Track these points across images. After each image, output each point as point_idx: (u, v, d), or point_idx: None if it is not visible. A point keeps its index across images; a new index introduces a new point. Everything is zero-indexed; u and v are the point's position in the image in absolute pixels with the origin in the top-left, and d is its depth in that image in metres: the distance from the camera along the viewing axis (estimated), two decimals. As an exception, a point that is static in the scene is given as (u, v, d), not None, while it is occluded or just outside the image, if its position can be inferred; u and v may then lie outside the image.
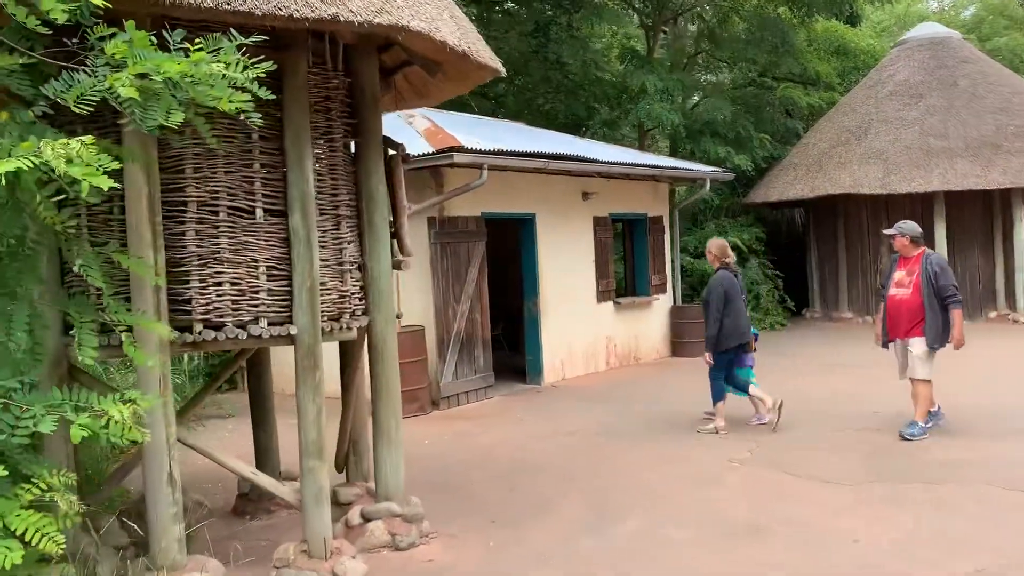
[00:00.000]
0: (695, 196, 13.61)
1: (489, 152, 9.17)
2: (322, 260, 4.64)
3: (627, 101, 16.22)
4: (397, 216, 5.17)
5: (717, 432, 7.60)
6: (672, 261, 13.72)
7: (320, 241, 4.62)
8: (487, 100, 17.12)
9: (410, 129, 10.26)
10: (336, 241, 4.75)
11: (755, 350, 7.95)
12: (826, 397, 9.25)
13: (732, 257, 7.89)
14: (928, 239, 16.34)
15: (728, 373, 7.73)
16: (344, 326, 4.72)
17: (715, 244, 7.94)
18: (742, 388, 7.84)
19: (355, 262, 4.91)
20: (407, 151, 5.26)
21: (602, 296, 12.13)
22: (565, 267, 11.47)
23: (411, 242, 9.67)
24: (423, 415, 9.24)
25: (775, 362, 12.14)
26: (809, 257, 18.51)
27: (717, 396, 7.71)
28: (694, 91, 19.35)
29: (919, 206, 16.20)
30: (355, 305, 4.89)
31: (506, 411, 9.30)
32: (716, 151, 16.63)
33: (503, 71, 5.14)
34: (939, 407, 7.43)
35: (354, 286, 4.89)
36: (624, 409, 9.11)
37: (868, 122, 16.82)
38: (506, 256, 12.32)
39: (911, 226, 7.31)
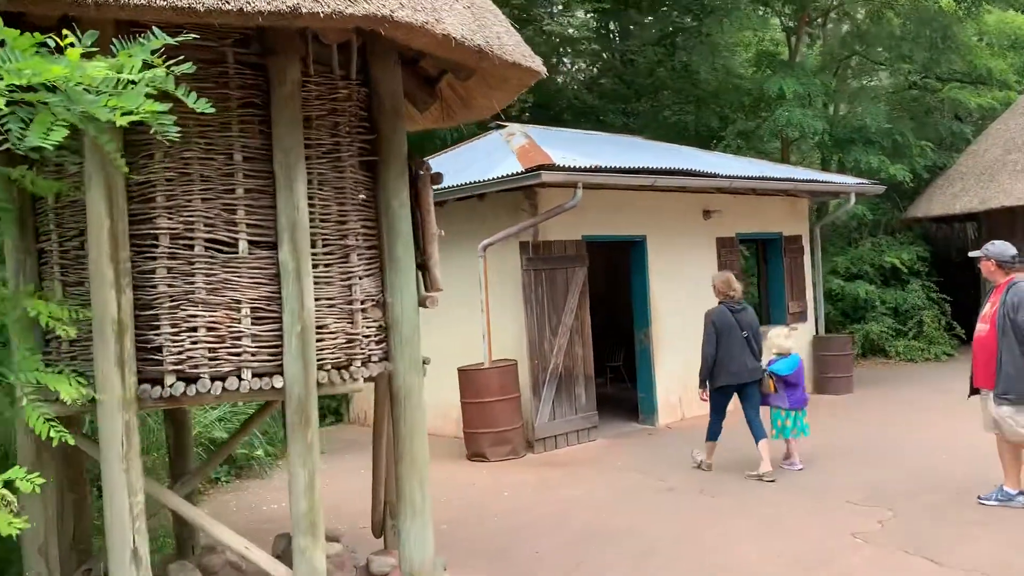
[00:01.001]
0: (838, 212, 12.10)
1: (583, 169, 8.31)
2: (326, 298, 3.96)
3: (764, 109, 14.86)
4: (426, 245, 4.42)
5: (700, 466, 7.48)
6: (814, 285, 12.25)
7: (323, 276, 3.95)
8: (622, 116, 16.16)
9: (506, 147, 9.59)
10: (344, 276, 4.06)
11: (774, 391, 7.28)
12: (989, 449, 7.68)
13: (737, 291, 7.39)
14: None
15: (748, 414, 7.25)
16: (351, 376, 4.01)
17: (717, 277, 7.66)
18: (757, 433, 7.20)
19: (371, 299, 4.20)
20: (434, 170, 4.50)
21: (727, 325, 10.89)
22: (682, 293, 10.36)
23: (504, 268, 9.08)
24: (515, 459, 8.44)
25: (929, 400, 10.50)
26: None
27: (711, 434, 7.46)
28: (844, 96, 17.61)
29: (1117, 218, 13.87)
30: (369, 349, 4.18)
31: (606, 457, 8.34)
32: (869, 161, 14.94)
33: (543, 71, 4.31)
34: (1021, 495, 5.96)
35: (369, 328, 4.18)
36: (740, 459, 7.92)
37: (1052, 122, 14.61)
38: (628, 279, 11.35)
39: (999, 248, 5.91)
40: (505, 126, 11.18)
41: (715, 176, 9.66)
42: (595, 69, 19.60)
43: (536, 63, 4.28)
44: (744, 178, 9.99)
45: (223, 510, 7.08)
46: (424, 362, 4.42)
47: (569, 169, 8.18)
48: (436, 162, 11.20)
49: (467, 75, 4.44)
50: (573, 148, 9.82)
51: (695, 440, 8.95)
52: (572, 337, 9.11)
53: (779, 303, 11.81)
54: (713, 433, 7.46)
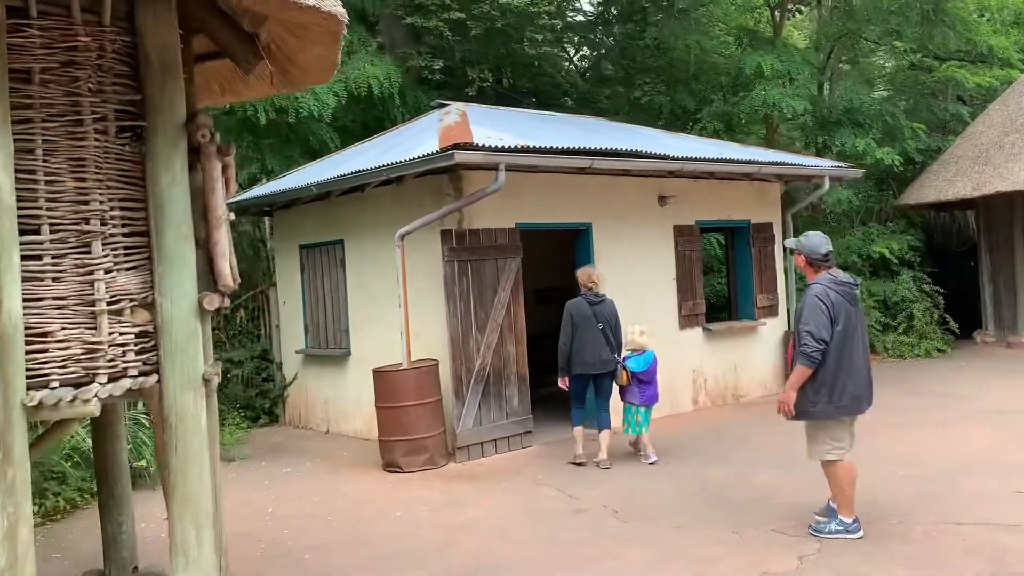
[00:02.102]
0: (810, 198, 11.17)
1: (507, 149, 7.47)
2: (52, 298, 3.17)
3: (743, 89, 13.92)
4: (210, 231, 3.61)
5: (575, 461, 7.45)
6: (786, 277, 11.35)
7: (50, 271, 3.16)
8: (622, 101, 15.06)
9: (436, 127, 8.77)
10: (82, 270, 3.27)
11: (628, 383, 7.44)
12: (953, 465, 6.80)
13: (597, 284, 7.53)
14: None
15: (597, 403, 7.53)
16: (88, 396, 3.21)
17: (580, 272, 7.68)
18: (602, 423, 7.50)
19: (129, 298, 3.40)
20: (219, 141, 3.67)
21: (687, 321, 10.05)
22: (634, 287, 9.51)
23: (423, 260, 8.30)
24: (432, 469, 7.64)
25: (910, 403, 9.59)
26: (981, 268, 15.30)
27: (575, 420, 7.55)
28: (837, 77, 16.61)
29: (1123, 204, 12.86)
30: (124, 361, 3.38)
31: (530, 468, 7.52)
32: (855, 144, 13.98)
33: (343, 16, 3.48)
34: (855, 523, 5.18)
35: (124, 335, 3.38)
36: (681, 472, 7.09)
37: (1052, 102, 13.58)
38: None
39: (813, 242, 5.20)
40: (447, 105, 10.37)
41: (664, 158, 8.79)
42: (591, 54, 18.74)
43: (336, 7, 3.45)
44: (698, 160, 9.10)
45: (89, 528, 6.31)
46: (206, 377, 3.59)
47: (488, 149, 7.34)
48: (373, 144, 10.45)
49: (259, 20, 3.62)
50: (514, 129, 8.99)
51: (657, 444, 8.14)
52: (503, 334, 8.28)
53: (747, 296, 10.93)
54: (575, 419, 7.56)
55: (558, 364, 7.41)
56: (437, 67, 12.63)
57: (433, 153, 7.34)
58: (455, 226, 8.06)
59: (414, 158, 7.53)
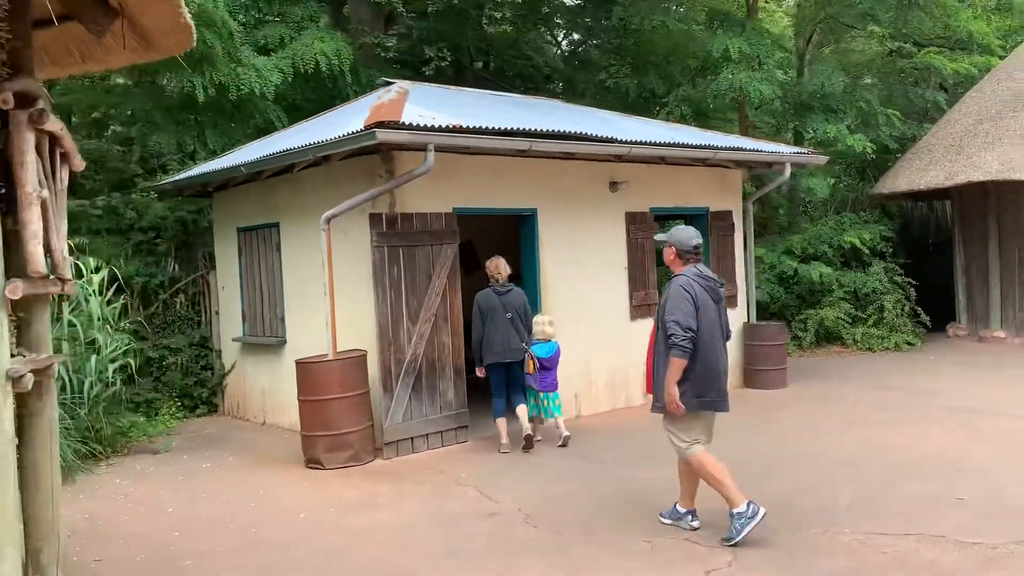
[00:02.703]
0: (771, 185, 10.76)
1: (436, 129, 7.04)
2: None
3: (711, 72, 13.49)
4: (21, 210, 3.19)
5: (500, 451, 7.48)
6: (746, 267, 10.96)
7: None
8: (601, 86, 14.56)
9: (375, 103, 8.34)
10: None
11: (534, 371, 7.55)
12: (900, 466, 6.44)
13: (503, 275, 7.64)
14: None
15: (511, 390, 7.65)
16: None
17: (489, 263, 7.75)
18: (515, 404, 7.67)
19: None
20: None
21: (639, 312, 9.67)
22: (582, 275, 9.13)
23: (354, 245, 7.90)
24: (356, 466, 7.25)
25: (870, 399, 9.25)
26: (955, 261, 14.95)
27: (495, 411, 7.60)
28: (813, 61, 16.17)
29: (1097, 195, 12.50)
30: None
31: (456, 465, 7.13)
32: (826, 131, 13.58)
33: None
34: (750, 506, 4.94)
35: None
36: (611, 471, 6.73)
37: (1028, 89, 13.19)
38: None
39: (683, 234, 5.12)
40: (393, 83, 9.93)
41: (611, 141, 8.37)
42: (576, 38, 18.33)
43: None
44: (647, 144, 8.67)
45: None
46: (11, 375, 3.17)
47: (415, 128, 6.91)
48: (314, 123, 9.97)
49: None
50: (457, 109, 8.57)
51: (584, 443, 7.79)
52: (437, 324, 7.88)
53: (705, 286, 10.53)
54: (496, 410, 7.59)
55: (473, 355, 7.63)
56: (390, 44, 12.17)
57: (355, 132, 6.91)
58: (386, 210, 7.64)
59: (337, 137, 7.10)
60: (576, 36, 18.85)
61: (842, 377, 11.02)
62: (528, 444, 7.47)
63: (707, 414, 5.08)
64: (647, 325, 9.70)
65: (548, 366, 7.62)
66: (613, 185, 9.39)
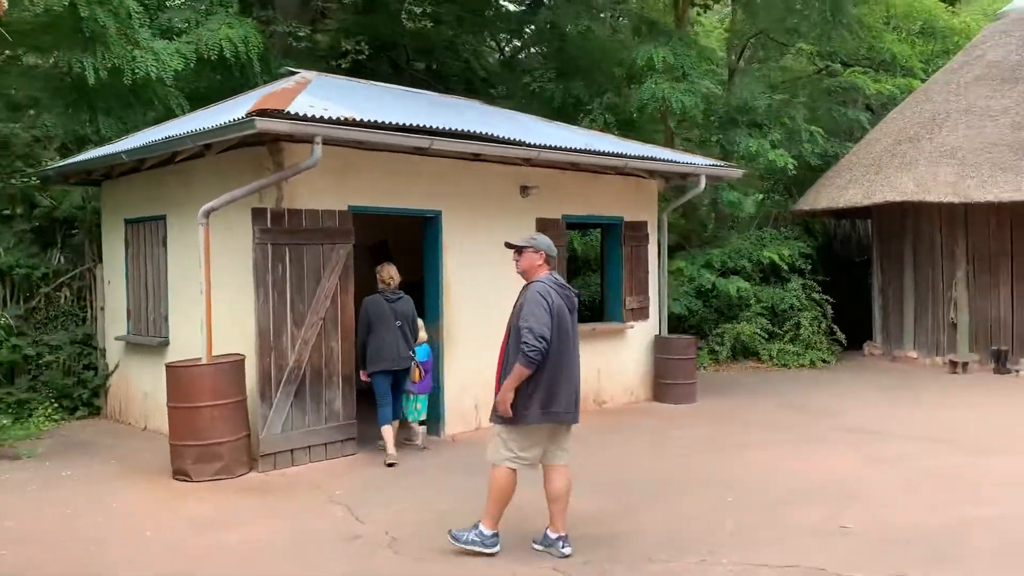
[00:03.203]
0: (685, 197, 10.58)
1: (325, 121, 6.62)
2: None
3: (636, 81, 13.30)
4: None
5: (386, 464, 7.17)
6: (659, 279, 10.76)
7: None
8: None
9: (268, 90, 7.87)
10: None
11: (419, 379, 7.65)
12: (789, 491, 6.24)
13: (394, 281, 7.51)
14: (1018, 261, 12.77)
15: (394, 397, 7.51)
16: None
17: (379, 268, 7.57)
18: (399, 414, 7.67)
19: None
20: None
21: (546, 321, 9.34)
22: (489, 281, 8.77)
23: (238, 242, 7.39)
24: (228, 479, 6.76)
25: (775, 419, 9.10)
26: (873, 280, 15.06)
27: (381, 419, 7.41)
28: (742, 76, 16.15)
29: (1007, 219, 12.66)
30: None
31: (335, 480, 6.70)
32: (748, 145, 13.53)
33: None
34: (494, 537, 4.95)
35: None
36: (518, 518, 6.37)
37: (945, 113, 13.33)
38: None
39: (546, 240, 5.01)
40: (296, 72, 9.46)
41: (518, 144, 8.05)
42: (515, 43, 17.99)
43: None
44: (557, 149, 8.38)
45: None
46: None
47: (299, 118, 6.48)
48: (211, 111, 9.38)
49: None
50: (358, 102, 8.14)
51: (477, 456, 7.40)
52: (326, 329, 7.44)
53: (616, 297, 10.31)
54: (381, 418, 7.40)
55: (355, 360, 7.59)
56: (302, 34, 11.67)
57: (235, 120, 6.44)
58: (273, 205, 7.18)
59: (216, 126, 6.63)
60: (517, 42, 18.61)
61: (751, 394, 10.89)
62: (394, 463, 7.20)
63: (549, 426, 4.82)
64: (555, 336, 9.43)
65: (427, 369, 7.77)
66: (524, 190, 9.08)
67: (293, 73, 9.42)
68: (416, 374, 7.56)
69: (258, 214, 7.05)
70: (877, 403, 10.17)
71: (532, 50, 16.33)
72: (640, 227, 10.42)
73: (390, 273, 7.50)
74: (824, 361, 13.76)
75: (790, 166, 13.68)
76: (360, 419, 7.78)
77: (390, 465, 7.11)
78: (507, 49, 18.55)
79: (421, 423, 7.93)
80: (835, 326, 14.28)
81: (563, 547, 4.93)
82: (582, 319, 10.56)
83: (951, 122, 13.05)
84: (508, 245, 5.17)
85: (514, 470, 4.83)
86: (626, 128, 14.04)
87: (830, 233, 17.79)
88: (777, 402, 10.24)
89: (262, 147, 7.15)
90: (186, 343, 8.11)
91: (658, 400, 10.35)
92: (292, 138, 6.77)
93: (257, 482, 6.71)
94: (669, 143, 14.99)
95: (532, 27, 13.37)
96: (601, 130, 13.04)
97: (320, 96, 7.69)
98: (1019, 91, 12.87)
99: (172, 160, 8.05)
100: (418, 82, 14.67)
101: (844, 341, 14.33)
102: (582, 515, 5.69)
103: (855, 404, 10.07)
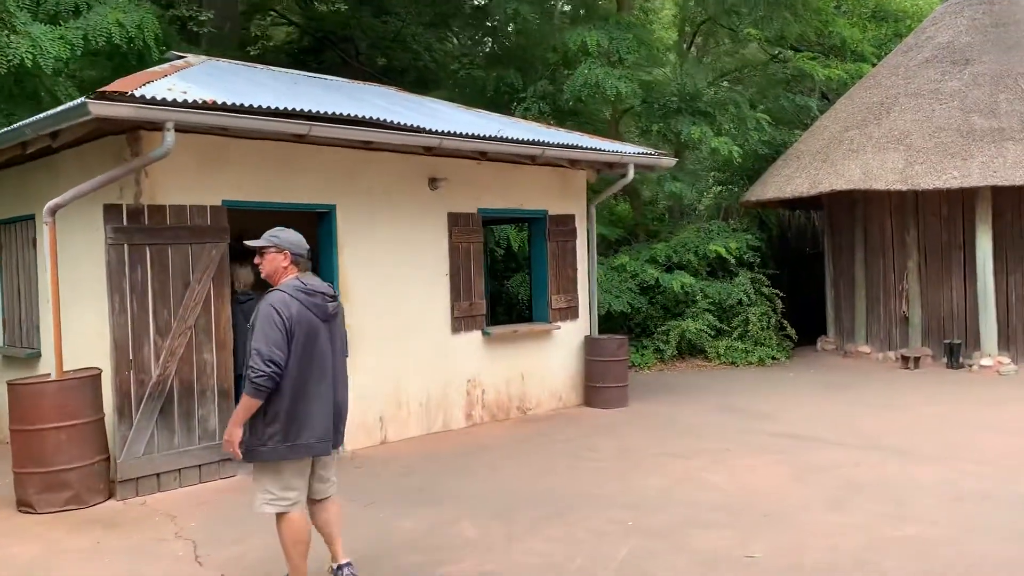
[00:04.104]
0: (613, 187, 9.91)
1: (175, 104, 5.86)
2: None
3: (571, 67, 12.64)
4: None
5: None
6: (589, 276, 10.09)
7: None
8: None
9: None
10: None
11: None
12: (699, 511, 5.58)
13: (242, 283, 7.17)
14: (970, 252, 12.26)
15: None
16: None
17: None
18: None
19: None
20: None
21: (461, 324, 8.66)
22: (393, 284, 8.08)
23: (97, 243, 6.68)
24: (78, 509, 6.00)
25: (705, 424, 8.46)
26: (825, 272, 14.51)
27: None
28: (689, 62, 15.53)
29: (959, 207, 12.13)
30: None
31: (195, 509, 5.94)
32: (690, 132, 12.91)
33: None
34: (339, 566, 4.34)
35: None
36: (373, 518, 5.67)
37: (893, 97, 12.78)
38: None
39: (293, 237, 4.23)
40: (183, 56, 8.70)
41: (417, 130, 7.33)
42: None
43: None
44: (462, 137, 7.67)
45: None
46: None
47: (144, 102, 5.72)
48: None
49: None
50: (243, 87, 7.40)
51: (364, 477, 6.71)
52: (197, 339, 6.68)
53: (541, 296, 9.63)
54: None
55: None
56: (203, 19, 10.88)
57: (70, 106, 5.69)
58: (130, 201, 6.42)
59: (50, 113, 5.88)
60: (467, 36, 17.91)
61: (689, 396, 10.26)
62: None
63: (303, 462, 4.08)
64: (473, 339, 8.79)
65: None
66: (432, 182, 8.38)
67: (180, 57, 8.66)
68: None
69: (111, 211, 6.29)
70: (819, 404, 9.57)
71: (465, 37, 15.67)
72: (567, 221, 9.75)
73: (238, 275, 7.22)
74: (774, 358, 13.19)
75: (735, 155, 13.10)
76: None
77: None
78: (459, 42, 17.86)
79: None
80: (785, 321, 13.72)
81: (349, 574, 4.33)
82: (517, 319, 9.94)
83: (899, 107, 12.50)
84: (246, 246, 4.36)
85: (296, 511, 4.09)
86: (565, 118, 13.39)
87: (784, 225, 17.25)
88: (715, 404, 9.62)
89: (121, 137, 6.40)
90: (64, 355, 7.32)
91: (589, 405, 9.69)
92: (143, 125, 6.02)
93: (109, 513, 5.95)
94: (614, 133, 14.37)
95: (464, 11, 12.62)
96: (535, 119, 12.37)
97: (192, 80, 6.95)
98: (969, 73, 12.33)
99: (42, 153, 7.25)
100: (367, 76, 13.96)
101: (795, 337, 13.77)
102: (456, 544, 5.01)
103: (795, 405, 9.47)
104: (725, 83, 14.55)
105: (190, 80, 6.91)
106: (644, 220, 15.56)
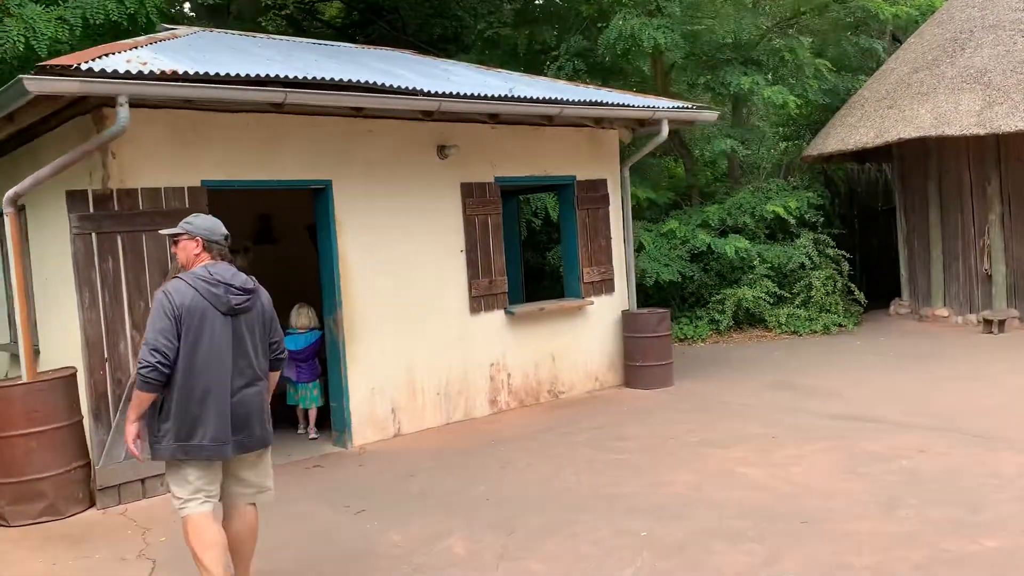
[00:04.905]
0: (646, 148, 8.98)
1: (132, 77, 5.29)
2: None
3: (606, 19, 11.68)
4: None
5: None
6: (626, 245, 9.25)
7: None
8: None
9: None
10: None
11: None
12: (728, 518, 4.79)
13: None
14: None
15: None
16: None
17: None
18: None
19: None
20: None
21: (480, 303, 7.98)
22: (401, 263, 7.43)
23: (52, 234, 6.30)
24: (54, 520, 5.58)
25: (752, 403, 7.61)
26: (897, 230, 13.29)
27: None
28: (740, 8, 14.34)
29: (1046, 152, 10.83)
30: None
31: (165, 522, 5.43)
32: (739, 83, 11.86)
33: None
34: None
35: None
36: (361, 530, 5.08)
37: (968, 32, 11.45)
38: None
39: (208, 222, 3.88)
40: (175, 28, 8.18)
41: (411, 93, 6.62)
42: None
43: None
44: (464, 98, 6.92)
45: None
46: None
47: (96, 75, 5.17)
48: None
49: None
50: (223, 57, 6.82)
51: (364, 477, 6.13)
52: (180, 332, 6.17)
53: (572, 270, 8.86)
54: None
55: None
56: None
57: (9, 85, 5.17)
58: (98, 186, 5.91)
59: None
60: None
61: (742, 371, 9.38)
62: None
63: (203, 463, 3.66)
64: (495, 320, 8.10)
65: (300, 358, 7.32)
66: (442, 150, 7.67)
67: (170, 28, 8.14)
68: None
69: (75, 198, 5.79)
70: (886, 377, 8.58)
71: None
72: (597, 186, 8.92)
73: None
74: (840, 326, 12.11)
75: (790, 105, 11.96)
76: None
77: None
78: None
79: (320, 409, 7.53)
80: (853, 285, 12.60)
81: None
82: (560, 294, 9.21)
83: (975, 42, 11.18)
84: (161, 235, 4.25)
85: (202, 513, 3.68)
86: (602, 76, 12.47)
87: (853, 180, 15.98)
88: (769, 381, 8.73)
89: (87, 117, 5.89)
90: (48, 353, 6.95)
91: (629, 385, 8.92)
92: (106, 102, 5.48)
93: (84, 525, 5.51)
94: (663, 90, 13.36)
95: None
96: (568, 79, 11.52)
97: (164, 51, 6.39)
98: (1056, -2, 10.93)
99: (30, 139, 6.84)
100: (411, 47, 13.34)
101: (863, 301, 12.65)
102: (440, 564, 4.37)
103: (859, 380, 8.51)
104: (777, 28, 13.29)
105: (162, 51, 6.35)
106: (698, 182, 14.53)
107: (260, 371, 3.78)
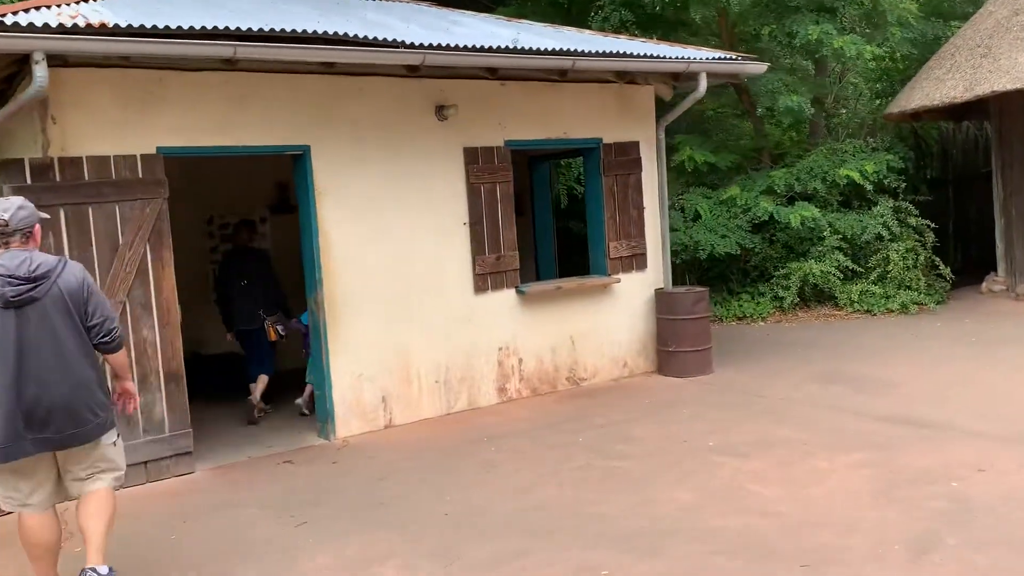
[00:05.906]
0: (683, 105, 7.89)
1: (50, 31, 4.71)
2: None
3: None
4: None
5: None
6: (660, 216, 8.26)
7: None
8: None
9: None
10: None
11: (274, 338, 7.23)
12: (715, 554, 3.91)
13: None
14: None
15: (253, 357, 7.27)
16: None
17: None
18: (251, 374, 7.24)
19: None
20: None
21: (486, 281, 7.20)
22: (390, 236, 6.72)
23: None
24: (-9, 517, 5.17)
25: (795, 397, 6.62)
26: (994, 195, 11.76)
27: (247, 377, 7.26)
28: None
29: None
30: None
31: (121, 522, 4.94)
32: (807, 32, 10.57)
33: None
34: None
35: None
36: (295, 543, 4.45)
37: (1082, -36, 9.83)
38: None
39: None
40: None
41: (390, 45, 5.85)
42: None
43: None
44: (452, 50, 6.07)
45: None
46: None
47: (7, 28, 4.60)
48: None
49: None
50: (191, 9, 6.17)
51: (335, 475, 5.51)
52: (134, 313, 5.63)
53: (598, 244, 7.95)
54: (249, 375, 7.29)
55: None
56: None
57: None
58: (38, 154, 5.39)
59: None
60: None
61: (794, 357, 8.33)
62: (250, 419, 7.03)
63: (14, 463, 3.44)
64: (504, 299, 7.33)
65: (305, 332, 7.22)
66: (440, 110, 6.88)
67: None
68: (271, 333, 7.22)
69: (8, 168, 5.29)
70: (961, 368, 7.40)
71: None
72: (628, 149, 7.96)
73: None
74: (920, 304, 10.79)
75: (866, 55, 10.60)
76: (213, 424, 6.05)
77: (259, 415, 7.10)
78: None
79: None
80: (938, 259, 11.22)
81: None
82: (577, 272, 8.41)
83: (1089, -25, 9.58)
84: None
85: (26, 514, 3.56)
86: (654, 27, 11.37)
87: (947, 140, 14.35)
88: (820, 370, 7.68)
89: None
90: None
91: (661, 372, 8.01)
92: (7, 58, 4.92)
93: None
94: (727, 43, 12.14)
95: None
96: (615, 31, 10.50)
97: (113, 5, 5.75)
98: None
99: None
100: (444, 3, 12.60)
101: (950, 276, 11.26)
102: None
103: (927, 371, 7.37)
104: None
105: (111, 5, 5.74)
106: (768, 143, 13.26)
107: (73, 363, 3.43)
